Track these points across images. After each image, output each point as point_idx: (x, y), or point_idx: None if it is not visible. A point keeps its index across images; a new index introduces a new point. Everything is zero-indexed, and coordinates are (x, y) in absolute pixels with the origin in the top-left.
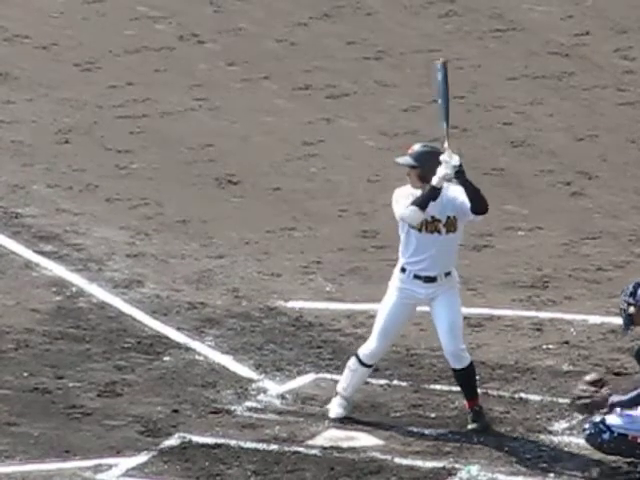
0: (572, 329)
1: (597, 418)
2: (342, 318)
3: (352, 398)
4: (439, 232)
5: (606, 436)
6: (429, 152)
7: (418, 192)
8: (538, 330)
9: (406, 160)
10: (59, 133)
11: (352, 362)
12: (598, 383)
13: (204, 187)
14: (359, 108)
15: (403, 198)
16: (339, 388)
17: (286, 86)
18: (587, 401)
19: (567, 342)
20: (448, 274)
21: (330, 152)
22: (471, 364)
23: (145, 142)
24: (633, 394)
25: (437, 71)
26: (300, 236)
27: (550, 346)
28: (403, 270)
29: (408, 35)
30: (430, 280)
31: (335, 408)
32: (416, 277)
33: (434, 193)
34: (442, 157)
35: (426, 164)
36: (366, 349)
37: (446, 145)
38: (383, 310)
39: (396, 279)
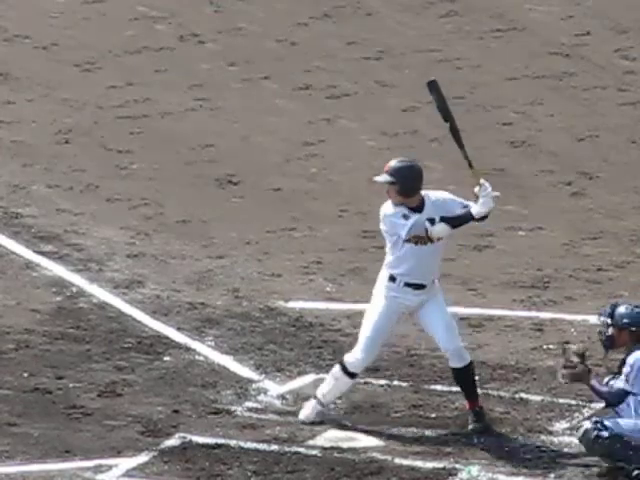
0: (573, 329)
1: (600, 419)
2: (342, 318)
3: (328, 406)
4: (431, 241)
5: (604, 433)
6: (405, 166)
7: (402, 208)
8: (539, 330)
9: (384, 178)
10: (59, 133)
11: (336, 370)
12: (582, 356)
13: (204, 187)
14: (359, 108)
15: (399, 218)
16: (318, 393)
17: (286, 86)
18: (570, 371)
19: (568, 342)
20: (434, 280)
21: (330, 152)
22: (471, 363)
23: (145, 142)
24: (610, 390)
25: (431, 91)
26: (300, 236)
27: (551, 346)
28: (393, 279)
29: (408, 35)
30: (420, 287)
31: (307, 411)
32: (407, 285)
33: (469, 220)
34: (478, 190)
35: (403, 178)
36: (352, 357)
37: (473, 171)
38: (371, 319)
39: (384, 288)
